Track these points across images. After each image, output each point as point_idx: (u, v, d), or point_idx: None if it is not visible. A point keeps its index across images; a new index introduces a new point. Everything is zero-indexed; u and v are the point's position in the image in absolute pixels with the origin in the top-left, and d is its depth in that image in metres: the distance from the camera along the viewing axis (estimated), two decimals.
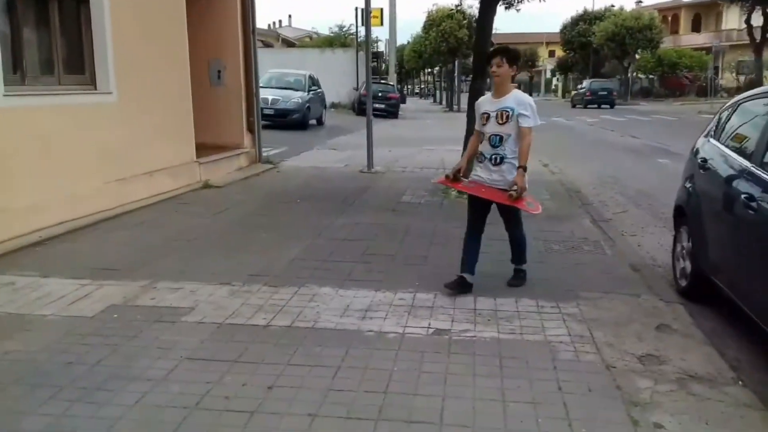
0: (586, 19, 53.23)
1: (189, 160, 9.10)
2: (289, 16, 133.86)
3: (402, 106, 33.64)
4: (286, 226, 6.76)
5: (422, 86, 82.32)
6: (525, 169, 4.49)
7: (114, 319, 4.07)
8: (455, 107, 38.44)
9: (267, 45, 40.44)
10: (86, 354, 3.55)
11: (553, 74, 74.04)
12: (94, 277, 4.87)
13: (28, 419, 2.88)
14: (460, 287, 4.62)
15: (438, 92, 57.31)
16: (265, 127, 12.91)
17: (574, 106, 41.50)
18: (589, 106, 39.49)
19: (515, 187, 4.43)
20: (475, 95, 8.87)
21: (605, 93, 40.03)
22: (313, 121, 22.08)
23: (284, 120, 19.67)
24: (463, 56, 38.62)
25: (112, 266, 5.17)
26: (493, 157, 4.54)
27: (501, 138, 4.49)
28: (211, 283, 4.77)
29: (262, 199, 8.36)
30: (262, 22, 64.49)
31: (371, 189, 9.20)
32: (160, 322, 4.00)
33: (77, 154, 6.74)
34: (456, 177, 4.79)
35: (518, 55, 4.58)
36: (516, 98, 4.51)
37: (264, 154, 11.92)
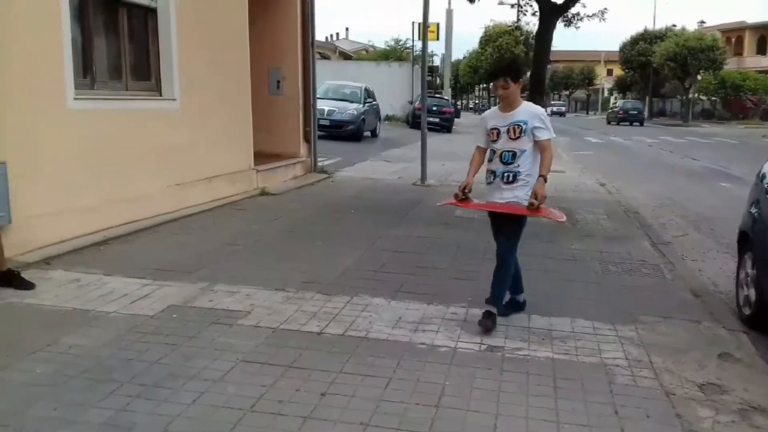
0: (647, 38, 52.29)
1: (247, 168, 9.28)
2: (347, 29, 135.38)
3: (456, 120, 33.55)
4: (339, 236, 6.81)
5: (477, 101, 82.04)
6: (546, 179, 4.11)
7: (173, 319, 4.17)
8: None
9: (324, 57, 40.98)
10: (146, 351, 3.64)
11: (611, 93, 72.79)
12: (154, 277, 5.00)
13: (90, 412, 2.97)
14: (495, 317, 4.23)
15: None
16: (320, 137, 13.06)
17: (608, 123, 47.08)
18: (621, 123, 45.03)
19: (536, 197, 4.05)
20: None
21: (635, 112, 46.30)
22: (367, 133, 22.23)
23: (339, 131, 19.87)
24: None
25: (172, 267, 5.31)
26: (506, 174, 4.16)
27: (514, 154, 4.14)
28: (266, 289, 4.85)
29: (316, 208, 8.46)
30: (319, 34, 65.30)
31: (424, 202, 9.20)
32: (217, 324, 4.08)
33: (141, 158, 6.95)
34: (465, 195, 4.42)
35: (522, 68, 4.26)
36: (528, 111, 4.17)
37: (319, 163, 12.06)
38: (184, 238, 6.44)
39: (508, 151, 4.15)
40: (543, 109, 4.28)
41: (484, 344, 3.98)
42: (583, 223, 8.07)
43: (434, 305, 4.66)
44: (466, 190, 4.41)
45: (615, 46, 57.15)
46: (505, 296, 4.41)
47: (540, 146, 4.14)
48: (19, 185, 5.19)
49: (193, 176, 7.88)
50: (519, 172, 4.16)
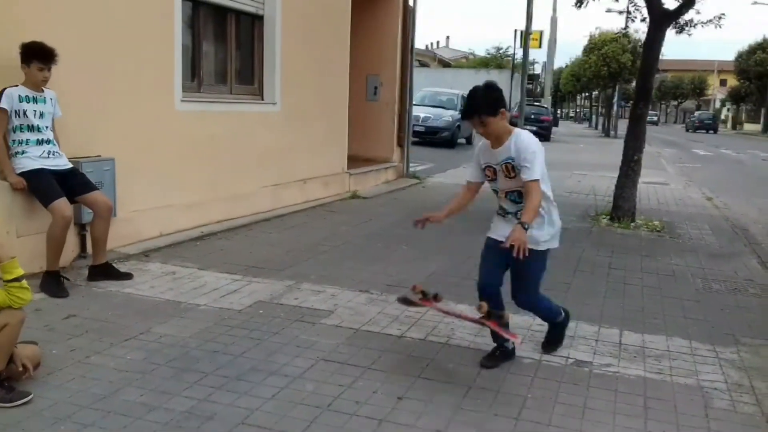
0: (766, 47, 49.15)
1: (340, 171, 9.42)
2: (447, 37, 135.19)
3: (554, 129, 32.81)
4: (426, 241, 6.76)
5: (577, 110, 79.87)
6: (525, 227, 3.35)
7: (259, 315, 4.27)
8: (612, 133, 36.88)
9: (423, 64, 41.14)
10: (231, 345, 3.74)
11: (723, 104, 68.96)
12: (245, 274, 5.15)
13: (174, 400, 3.07)
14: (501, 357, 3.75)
15: (594, 117, 55.35)
16: (414, 143, 13.11)
17: (687, 131, 55.03)
18: (698, 130, 53.18)
19: (511, 240, 3.30)
20: (636, 121, 8.46)
21: (710, 121, 55.06)
22: (462, 140, 22.11)
23: (434, 137, 19.89)
24: (625, 81, 37.00)
25: (262, 265, 5.45)
26: (519, 213, 3.57)
27: (520, 193, 3.57)
28: (351, 289, 4.88)
29: (405, 212, 8.45)
30: (420, 42, 65.75)
31: None
32: (300, 322, 4.14)
33: (241, 159, 7.20)
34: (424, 294, 3.71)
35: (498, 96, 3.53)
36: (515, 145, 3.50)
37: (411, 169, 12.08)
38: (277, 237, 6.60)
39: (512, 191, 3.61)
40: (535, 141, 3.53)
41: (570, 358, 3.82)
42: (686, 238, 7.64)
43: (520, 315, 4.50)
44: (430, 220, 4.03)
45: (731, 56, 54.16)
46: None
47: (525, 187, 3.48)
48: (126, 180, 5.48)
49: (288, 177, 8.09)
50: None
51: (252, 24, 7.71)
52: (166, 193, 6.14)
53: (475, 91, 3.56)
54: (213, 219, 6.71)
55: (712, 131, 52.16)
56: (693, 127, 54.54)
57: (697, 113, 59.95)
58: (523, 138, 3.52)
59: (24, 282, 3.00)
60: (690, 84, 69.27)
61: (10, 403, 2.90)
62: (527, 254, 3.29)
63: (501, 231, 3.65)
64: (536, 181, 3.44)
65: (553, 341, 3.96)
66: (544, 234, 3.62)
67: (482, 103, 3.50)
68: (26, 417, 2.84)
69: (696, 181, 14.44)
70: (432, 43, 68.27)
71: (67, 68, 4.78)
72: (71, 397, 3.04)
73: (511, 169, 3.52)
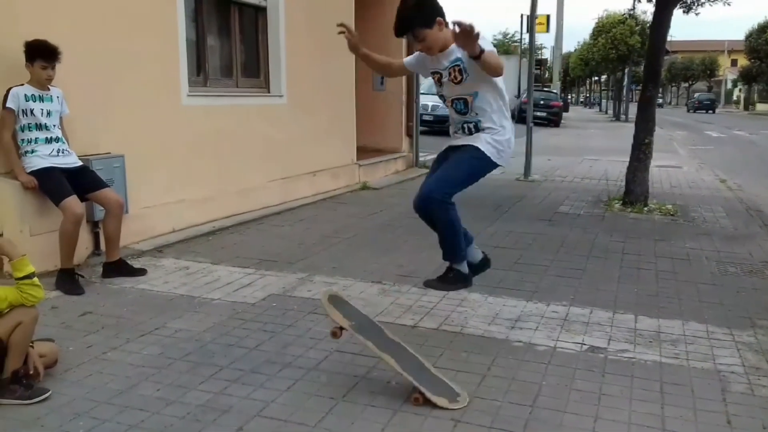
0: None
1: (350, 162, 9.41)
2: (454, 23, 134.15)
3: (564, 114, 32.62)
4: None
5: (587, 95, 79.34)
6: (480, 51, 3.06)
7: (273, 308, 4.28)
8: (622, 117, 36.62)
9: None
10: (246, 338, 3.76)
11: (734, 84, 68.24)
12: (257, 267, 5.16)
13: (191, 394, 3.09)
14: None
15: (604, 101, 54.99)
16: (423, 132, 13.06)
17: (688, 111, 59.87)
18: (698, 111, 58.17)
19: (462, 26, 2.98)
20: (646, 104, 8.39)
21: (708, 102, 60.30)
22: None
23: (442, 126, 19.77)
24: (634, 64, 36.71)
25: (274, 258, 5.46)
26: (465, 126, 3.43)
27: (465, 101, 3.34)
28: (363, 281, 4.88)
29: None
30: None
31: (527, 198, 8.97)
32: (314, 314, 4.14)
33: (249, 153, 7.20)
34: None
35: (431, 7, 3.22)
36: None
37: (421, 158, 12.04)
38: (288, 230, 6.60)
39: (458, 99, 3.36)
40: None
41: (585, 345, 3.81)
42: (700, 221, 7.58)
43: (533, 303, 4.52)
44: (349, 32, 3.69)
45: (741, 35, 53.47)
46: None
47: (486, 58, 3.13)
48: (136, 177, 5.50)
49: (298, 170, 8.08)
50: (478, 122, 3.40)
51: (255, 16, 7.70)
52: (176, 189, 6.16)
53: (403, 3, 3.23)
54: (224, 213, 6.72)
55: (711, 111, 58.24)
56: (693, 108, 60.03)
57: (696, 94, 65.28)
58: None
59: (35, 279, 3.02)
60: (700, 65, 68.59)
61: (29, 400, 2.93)
62: (474, 50, 2.96)
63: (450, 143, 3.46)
64: (491, 51, 3.14)
65: (446, 280, 3.44)
66: (491, 139, 3.36)
67: (414, 15, 3.22)
68: (45, 413, 2.87)
69: (709, 163, 14.32)
70: None
71: (72, 66, 4.80)
72: (89, 392, 3.06)
73: (459, 72, 3.24)
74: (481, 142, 3.32)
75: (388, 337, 3.17)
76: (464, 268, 3.50)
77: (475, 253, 3.73)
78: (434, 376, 3.12)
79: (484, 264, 3.77)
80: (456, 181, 3.32)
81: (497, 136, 3.34)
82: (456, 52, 3.23)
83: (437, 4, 3.23)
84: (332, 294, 3.21)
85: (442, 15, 3.21)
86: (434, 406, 2.97)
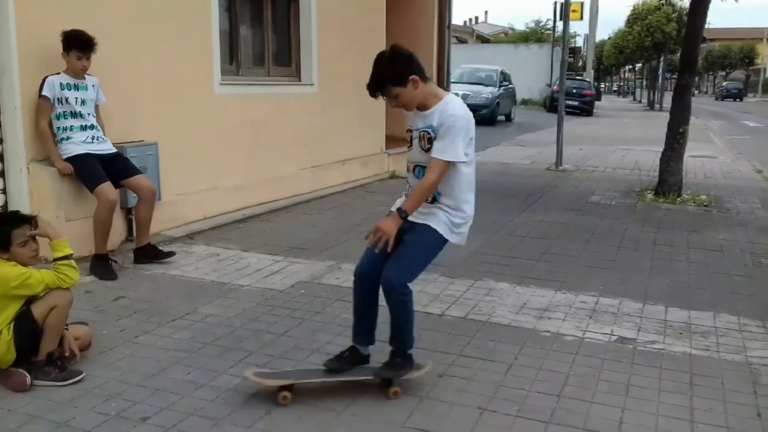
0: None
1: (379, 151, 9.42)
2: (485, 12, 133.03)
3: (597, 103, 32.13)
4: None
5: (621, 83, 78.03)
6: (402, 215, 2.93)
7: (301, 295, 4.33)
8: (657, 106, 35.96)
9: (461, 41, 40.66)
10: (274, 324, 3.81)
11: None
12: (286, 255, 5.22)
13: (221, 377, 3.15)
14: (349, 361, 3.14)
15: (639, 90, 54.04)
16: None
17: (716, 99, 59.60)
18: (725, 99, 57.62)
19: (375, 229, 2.94)
20: (681, 92, 8.24)
21: (736, 91, 59.41)
22: (501, 117, 21.87)
23: (473, 115, 19.68)
24: (670, 52, 35.94)
25: (303, 246, 5.50)
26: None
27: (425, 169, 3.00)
28: None
29: None
30: (457, 18, 65.05)
31: (557, 187, 8.89)
32: (341, 301, 4.17)
33: (281, 141, 7.26)
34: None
35: (403, 64, 2.93)
36: (440, 114, 2.97)
37: None
38: (317, 218, 6.65)
39: (422, 167, 3.03)
40: (463, 116, 2.99)
41: (614, 335, 3.78)
42: (734, 212, 7.43)
43: (562, 293, 4.49)
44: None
45: None
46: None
47: (428, 165, 2.95)
48: (169, 165, 5.58)
49: (328, 159, 8.12)
50: (438, 195, 3.04)
51: (288, 5, 7.72)
52: (208, 177, 6.24)
53: (377, 60, 2.97)
54: (254, 201, 6.79)
55: (739, 99, 58.04)
56: (722, 96, 60.13)
57: (725, 83, 65.75)
58: (450, 108, 2.97)
59: (72, 261, 3.10)
60: (739, 53, 66.90)
61: (63, 382, 3.01)
62: (389, 248, 2.84)
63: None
64: (442, 162, 2.89)
65: (393, 366, 3.04)
66: (447, 220, 3.05)
67: (385, 74, 2.92)
68: (78, 395, 2.95)
69: (745, 153, 14.01)
70: (470, 19, 67.33)
71: (110, 55, 4.88)
72: (121, 375, 3.14)
73: (428, 140, 2.97)
74: (439, 222, 3.02)
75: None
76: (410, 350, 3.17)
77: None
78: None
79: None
80: (416, 269, 3.02)
81: (455, 218, 3.06)
82: (435, 116, 2.96)
83: (412, 60, 2.96)
84: (255, 372, 3.04)
85: (418, 71, 2.94)
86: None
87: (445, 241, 3.08)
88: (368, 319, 3.17)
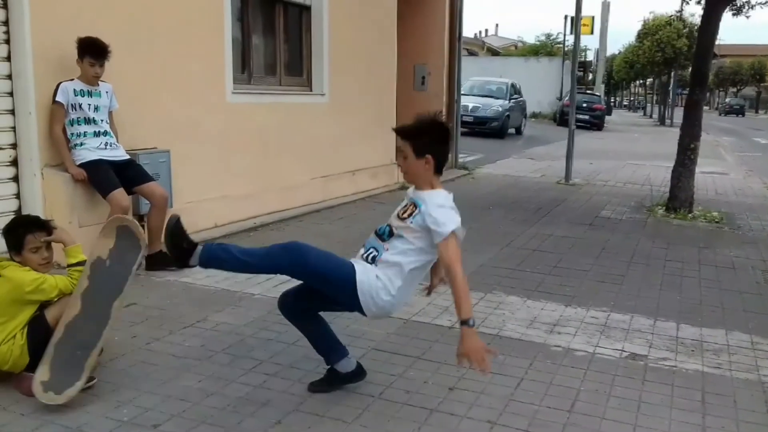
0: None
1: (389, 162, 9.43)
2: (496, 25, 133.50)
3: (607, 118, 32.13)
4: (475, 232, 6.72)
5: (631, 98, 77.96)
6: (470, 324, 2.65)
7: None
8: (667, 121, 35.91)
9: (471, 53, 40.77)
10: (285, 333, 3.80)
11: None
12: None
13: (231, 386, 3.15)
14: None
15: (649, 105, 53.99)
16: (463, 134, 13.06)
17: (719, 115, 60.99)
18: (728, 114, 60.44)
19: (463, 355, 2.67)
20: (692, 107, 8.23)
21: (738, 107, 63.44)
22: (511, 130, 21.86)
23: (483, 127, 19.74)
24: (681, 67, 35.93)
25: None
26: (370, 251, 2.94)
27: (392, 233, 2.90)
28: None
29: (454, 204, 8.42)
30: (468, 30, 65.11)
31: (567, 201, 8.88)
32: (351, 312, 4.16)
33: (291, 150, 7.28)
34: None
35: (430, 139, 2.86)
36: (430, 198, 2.88)
37: (459, 160, 12.01)
38: (327, 228, 6.66)
39: (389, 226, 2.94)
40: (448, 203, 2.92)
41: (625, 351, 3.76)
42: (746, 229, 7.40)
43: (573, 307, 4.48)
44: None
45: None
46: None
47: (439, 254, 2.79)
48: (181, 172, 5.61)
49: (338, 169, 8.14)
50: (378, 256, 2.89)
51: (300, 15, 7.78)
52: (219, 185, 6.27)
53: (421, 116, 2.94)
54: (265, 210, 6.81)
55: (741, 115, 61.66)
56: (724, 112, 63.10)
57: (727, 99, 70.20)
58: (438, 197, 2.90)
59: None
60: (749, 69, 66.80)
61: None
62: (486, 368, 2.64)
63: None
64: (449, 240, 2.72)
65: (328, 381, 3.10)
66: (374, 284, 2.82)
67: (415, 131, 2.89)
68: (90, 401, 2.95)
69: (757, 170, 13.96)
70: (480, 31, 67.49)
71: (122, 62, 4.92)
72: (133, 382, 3.14)
73: (409, 214, 2.86)
74: (366, 272, 2.84)
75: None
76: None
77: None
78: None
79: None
80: (306, 255, 2.94)
81: (382, 290, 2.82)
82: (425, 204, 2.84)
83: (440, 142, 2.90)
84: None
85: (436, 156, 2.88)
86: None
87: (353, 286, 2.79)
88: (315, 339, 3.12)
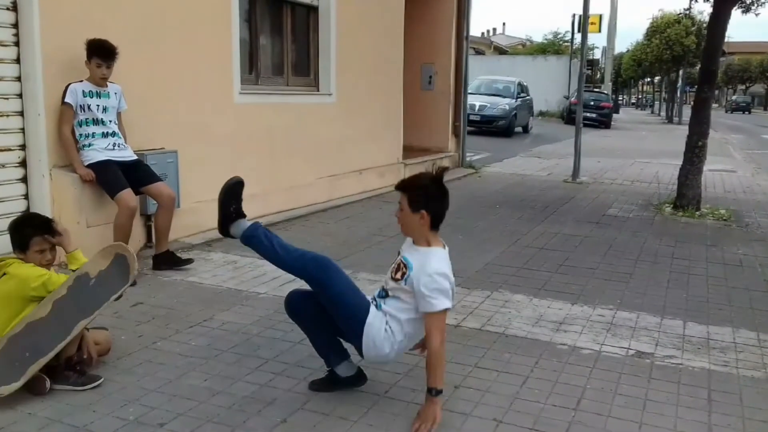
0: None
1: (395, 161, 9.44)
2: (503, 24, 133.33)
3: (615, 116, 32.02)
4: (482, 230, 6.74)
5: (639, 96, 77.63)
6: (436, 392, 2.76)
7: None
8: (675, 119, 35.74)
9: (479, 52, 40.73)
10: (291, 332, 3.81)
11: None
12: None
13: (237, 385, 3.16)
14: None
15: (657, 103, 53.77)
16: (470, 132, 13.01)
17: (726, 112, 62.32)
18: (735, 111, 61.81)
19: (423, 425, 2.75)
20: (700, 105, 8.20)
21: (744, 104, 64.87)
22: (518, 129, 21.83)
23: (490, 126, 19.71)
24: (689, 65, 35.75)
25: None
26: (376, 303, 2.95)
27: (387, 294, 2.91)
28: None
29: (461, 202, 8.41)
30: (475, 29, 65.13)
31: (574, 199, 8.86)
32: None
33: (298, 150, 7.30)
34: None
35: (426, 196, 2.83)
36: (424, 260, 2.81)
37: (467, 158, 12.00)
38: (334, 227, 6.67)
39: (384, 290, 2.94)
40: (441, 268, 2.82)
41: (631, 349, 3.75)
42: (754, 227, 7.36)
43: (579, 306, 4.47)
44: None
45: None
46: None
47: (424, 321, 2.80)
48: (188, 172, 5.64)
49: (345, 168, 8.15)
50: (384, 300, 2.92)
51: (307, 15, 7.79)
52: None
53: (423, 173, 2.95)
54: (273, 210, 6.83)
55: (747, 112, 62.79)
56: (731, 109, 64.29)
57: (734, 96, 71.30)
58: (435, 262, 2.82)
59: None
60: (758, 67, 66.39)
61: (82, 387, 3.04)
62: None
63: None
64: (436, 314, 2.73)
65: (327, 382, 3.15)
66: (380, 329, 2.85)
67: (411, 187, 2.87)
68: (97, 400, 2.97)
69: (765, 167, 13.88)
70: (488, 30, 67.48)
71: (131, 63, 4.95)
72: (139, 380, 3.16)
73: (402, 275, 2.83)
74: (379, 321, 2.88)
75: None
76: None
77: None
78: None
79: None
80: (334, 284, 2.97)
81: (386, 342, 2.88)
82: (416, 262, 2.82)
83: (436, 201, 2.87)
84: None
85: (432, 213, 2.85)
86: None
87: (361, 327, 2.84)
88: (317, 340, 3.13)
